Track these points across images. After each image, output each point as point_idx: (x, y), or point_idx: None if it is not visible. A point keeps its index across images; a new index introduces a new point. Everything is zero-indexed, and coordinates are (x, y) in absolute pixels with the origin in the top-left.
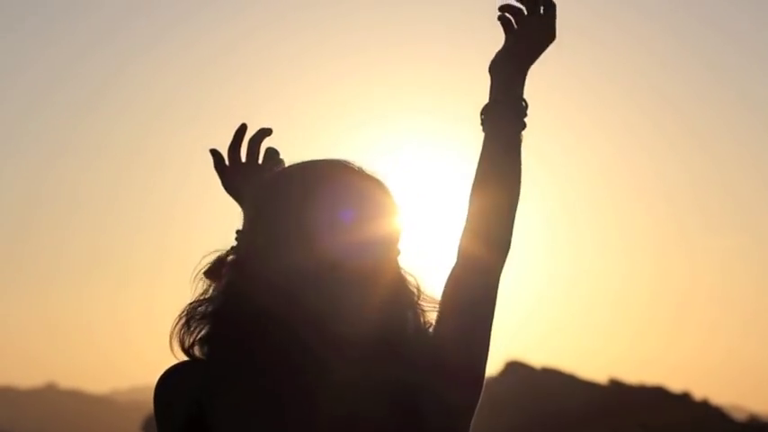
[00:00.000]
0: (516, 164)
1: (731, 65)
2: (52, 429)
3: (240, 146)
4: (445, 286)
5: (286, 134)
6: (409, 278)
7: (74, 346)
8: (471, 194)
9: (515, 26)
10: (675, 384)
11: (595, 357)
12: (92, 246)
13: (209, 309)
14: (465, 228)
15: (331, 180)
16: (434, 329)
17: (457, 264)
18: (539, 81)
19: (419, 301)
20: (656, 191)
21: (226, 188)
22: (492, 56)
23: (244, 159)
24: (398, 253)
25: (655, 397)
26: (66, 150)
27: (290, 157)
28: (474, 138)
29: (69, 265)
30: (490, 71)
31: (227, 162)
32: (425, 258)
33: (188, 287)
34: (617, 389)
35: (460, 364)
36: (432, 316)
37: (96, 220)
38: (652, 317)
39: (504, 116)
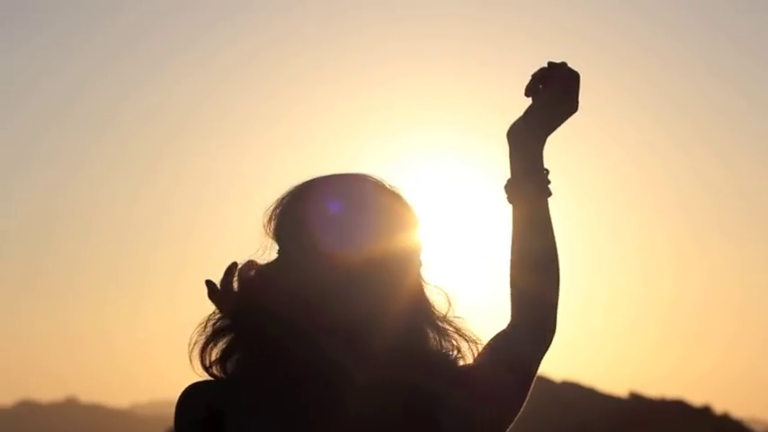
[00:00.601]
0: (551, 240)
1: (753, 74)
2: None
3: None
4: (495, 342)
5: (305, 147)
6: (434, 292)
7: (94, 360)
8: (512, 274)
9: (541, 92)
10: (696, 397)
11: (616, 370)
12: (111, 260)
13: (228, 324)
14: (512, 302)
15: (350, 194)
16: (475, 365)
17: (507, 332)
18: None
19: (442, 318)
20: (674, 201)
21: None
22: (508, 68)
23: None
24: (420, 265)
25: (675, 410)
26: (85, 166)
27: (309, 170)
28: (490, 149)
29: (89, 279)
30: (509, 138)
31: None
32: (448, 270)
33: (207, 303)
34: (637, 402)
35: (488, 390)
36: (452, 338)
37: (116, 235)
38: (672, 329)
39: (531, 192)
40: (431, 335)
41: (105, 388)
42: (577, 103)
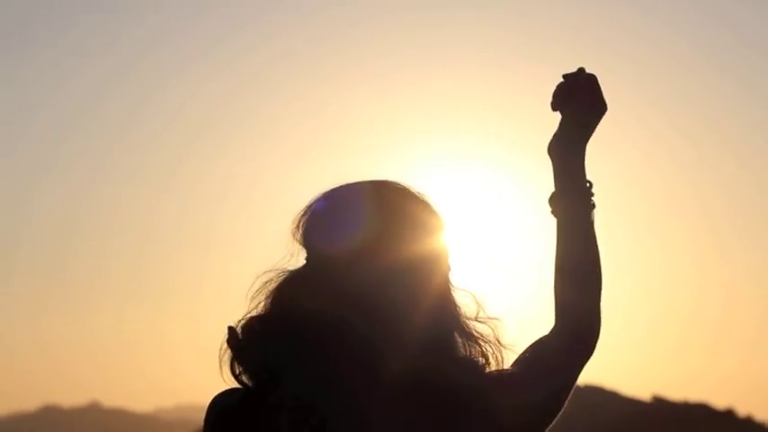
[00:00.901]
0: (594, 253)
1: None
2: None
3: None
4: (533, 349)
5: (327, 151)
6: (462, 295)
7: (117, 365)
8: (555, 284)
9: (567, 104)
10: (719, 401)
11: (638, 374)
12: (134, 264)
13: (263, 328)
14: (556, 311)
15: (377, 199)
16: (510, 370)
17: (547, 340)
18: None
19: (469, 322)
20: (697, 204)
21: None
22: (527, 74)
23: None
24: (448, 269)
25: (699, 413)
26: (107, 170)
27: (331, 174)
28: (515, 156)
29: (112, 283)
30: (550, 155)
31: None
32: (475, 275)
33: (230, 305)
34: (660, 405)
35: (521, 396)
36: (480, 345)
37: (138, 239)
38: (695, 332)
39: (575, 206)
40: (458, 339)
41: (129, 392)
42: (605, 102)
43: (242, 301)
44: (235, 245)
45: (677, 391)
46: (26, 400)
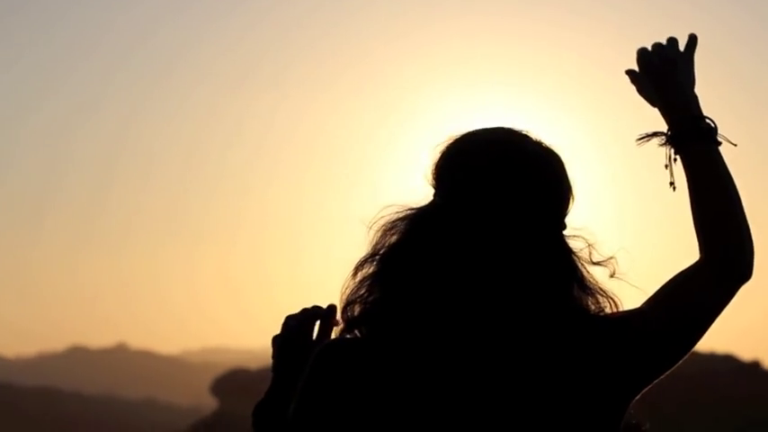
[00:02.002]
0: (730, 177)
1: (747, 58)
2: (122, 389)
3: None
4: (675, 283)
5: (360, 101)
6: (574, 240)
7: (145, 307)
8: (694, 210)
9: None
10: (745, 353)
11: None
12: (165, 207)
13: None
14: (705, 240)
15: (502, 144)
16: (644, 312)
17: (693, 271)
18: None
19: (587, 266)
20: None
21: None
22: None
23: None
24: (564, 227)
25: (725, 365)
26: (143, 112)
27: (377, 131)
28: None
29: (142, 225)
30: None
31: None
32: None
33: (260, 251)
34: (687, 357)
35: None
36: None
37: (172, 182)
38: None
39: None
40: (576, 290)
41: (156, 334)
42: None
43: (274, 247)
44: (267, 189)
45: (704, 343)
46: (54, 340)
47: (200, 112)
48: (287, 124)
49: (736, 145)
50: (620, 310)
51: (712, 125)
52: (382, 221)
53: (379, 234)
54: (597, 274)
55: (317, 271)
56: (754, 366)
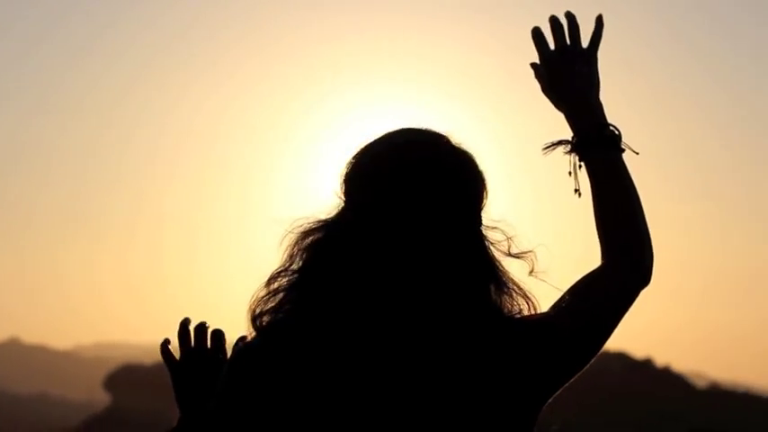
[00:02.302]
0: (630, 184)
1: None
2: (14, 384)
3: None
4: (578, 288)
5: (268, 96)
6: (492, 232)
7: (38, 301)
8: (596, 216)
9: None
10: (638, 350)
11: None
12: (61, 201)
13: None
14: (607, 245)
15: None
16: (556, 312)
17: (598, 275)
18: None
19: (504, 259)
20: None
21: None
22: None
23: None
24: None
25: (617, 363)
26: (41, 108)
27: (272, 118)
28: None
29: (36, 220)
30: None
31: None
32: None
33: (155, 247)
34: None
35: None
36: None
37: (70, 176)
38: None
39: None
40: (492, 288)
41: (49, 329)
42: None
43: (170, 244)
44: (169, 187)
45: None
46: None
47: (98, 109)
48: (184, 121)
49: (638, 153)
50: (537, 310)
51: (616, 132)
52: (294, 235)
53: (292, 247)
54: (516, 272)
55: (211, 268)
56: (647, 363)
